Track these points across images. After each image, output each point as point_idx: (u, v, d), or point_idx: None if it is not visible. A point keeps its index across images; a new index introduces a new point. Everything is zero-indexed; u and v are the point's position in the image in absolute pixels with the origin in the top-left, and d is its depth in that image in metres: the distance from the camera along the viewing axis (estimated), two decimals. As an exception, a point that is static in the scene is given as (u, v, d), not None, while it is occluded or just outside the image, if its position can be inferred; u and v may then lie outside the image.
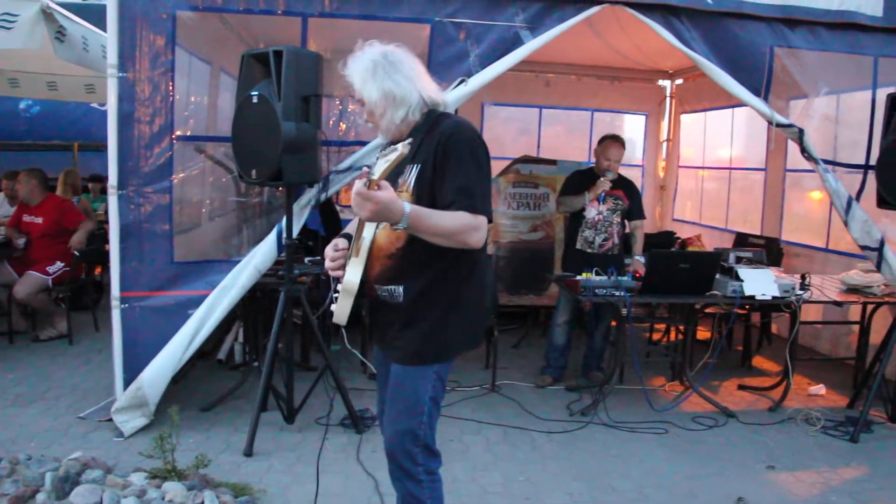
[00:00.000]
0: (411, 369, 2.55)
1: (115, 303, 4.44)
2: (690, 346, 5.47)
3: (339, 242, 2.51)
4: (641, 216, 5.73)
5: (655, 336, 7.07)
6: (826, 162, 5.06)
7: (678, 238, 8.01)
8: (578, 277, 5.02)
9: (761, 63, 4.94)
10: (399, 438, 2.59)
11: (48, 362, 5.78)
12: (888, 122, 4.82)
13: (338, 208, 6.98)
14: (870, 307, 5.47)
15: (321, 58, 4.24)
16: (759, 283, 5.02)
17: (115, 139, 4.35)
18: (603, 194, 5.39)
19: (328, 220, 6.52)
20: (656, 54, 7.36)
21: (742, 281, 4.99)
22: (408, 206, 2.21)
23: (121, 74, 4.32)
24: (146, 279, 4.48)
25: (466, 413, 4.98)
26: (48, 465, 3.42)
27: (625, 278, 4.97)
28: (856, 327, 5.74)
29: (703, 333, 6.61)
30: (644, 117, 9.20)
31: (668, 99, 9.11)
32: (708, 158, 8.83)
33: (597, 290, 4.88)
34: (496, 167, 7.09)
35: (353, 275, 2.38)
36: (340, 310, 2.40)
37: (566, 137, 9.13)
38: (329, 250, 2.49)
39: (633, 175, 7.93)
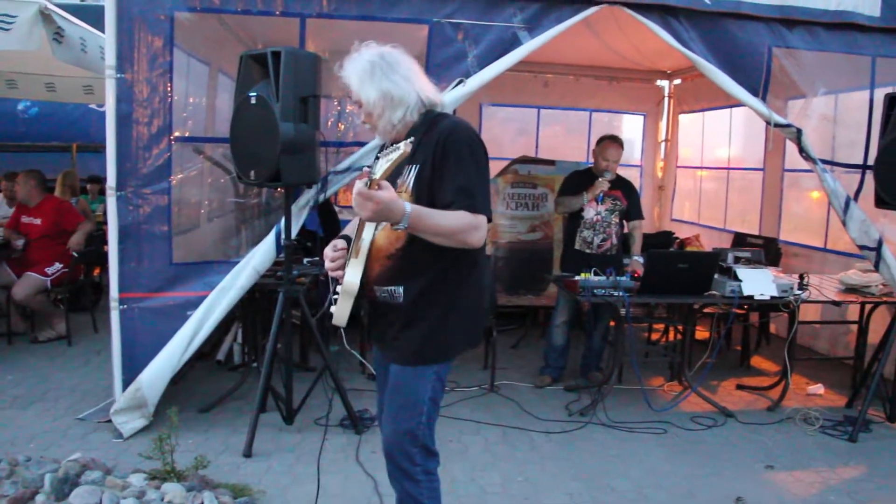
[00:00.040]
0: (410, 370, 2.55)
1: (113, 304, 4.44)
2: (689, 346, 5.47)
3: (339, 243, 2.51)
4: (640, 216, 5.73)
5: (654, 336, 7.08)
6: (824, 162, 5.07)
7: (677, 238, 8.02)
8: (577, 278, 5.03)
9: (759, 63, 4.94)
10: (397, 438, 2.59)
11: (47, 363, 5.78)
12: (886, 121, 4.82)
13: (336, 209, 6.97)
14: (868, 307, 5.48)
15: (319, 59, 4.24)
16: (758, 282, 5.02)
17: (113, 140, 4.35)
18: (601, 195, 5.40)
19: (327, 221, 6.52)
20: (654, 54, 7.36)
21: (740, 281, 5.00)
22: (408, 206, 2.21)
23: (119, 75, 4.32)
24: (145, 280, 4.48)
25: (465, 413, 4.98)
26: (47, 467, 3.42)
27: (623, 278, 4.98)
28: (854, 327, 5.74)
29: (701, 333, 6.62)
30: (642, 117, 9.20)
31: (666, 99, 9.12)
32: (706, 158, 8.83)
33: (595, 291, 4.89)
34: (494, 168, 7.09)
35: (352, 276, 2.38)
36: (340, 311, 2.39)
37: (564, 138, 9.14)
38: (329, 251, 2.49)
39: (632, 175, 7.95)
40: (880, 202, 4.88)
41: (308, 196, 4.62)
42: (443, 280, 2.48)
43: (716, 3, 4.78)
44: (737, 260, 5.50)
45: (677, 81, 8.91)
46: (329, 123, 4.94)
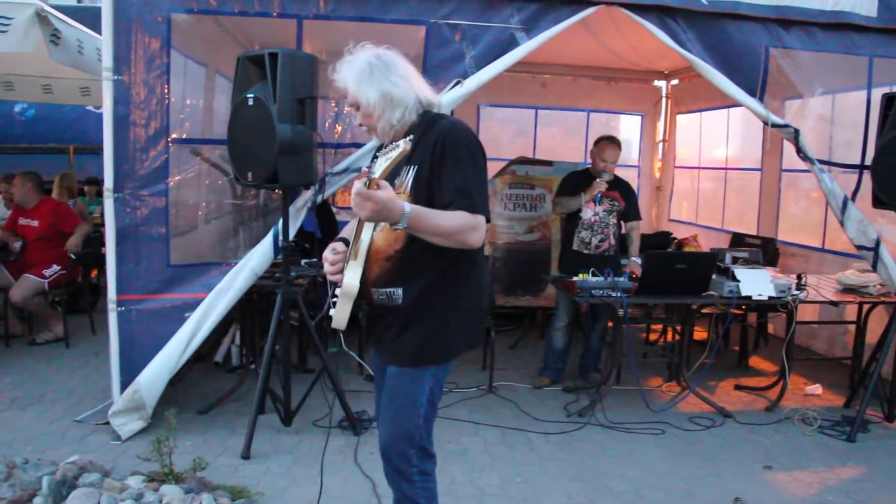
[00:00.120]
0: (408, 371, 2.55)
1: (111, 306, 4.44)
2: (687, 346, 5.47)
3: (338, 246, 2.51)
4: (637, 217, 5.74)
5: (652, 337, 7.09)
6: (822, 162, 5.07)
7: (675, 238, 8.03)
8: (575, 278, 5.02)
9: (756, 63, 4.94)
10: (394, 440, 2.59)
11: (45, 366, 5.77)
12: (883, 121, 4.83)
13: (334, 210, 6.97)
14: (866, 307, 5.48)
15: (316, 60, 4.24)
16: (756, 283, 5.03)
17: (110, 142, 4.35)
18: (599, 195, 5.39)
19: (324, 222, 6.52)
20: (652, 55, 7.37)
21: (738, 281, 5.00)
22: (408, 206, 2.21)
23: (116, 77, 4.32)
24: (142, 282, 4.48)
25: (464, 414, 4.98)
26: (45, 469, 3.42)
27: (621, 279, 4.98)
28: (852, 327, 5.75)
29: (699, 334, 6.62)
30: (640, 118, 9.21)
31: (663, 99, 9.14)
32: (704, 159, 8.84)
33: (593, 291, 4.89)
34: (492, 168, 7.10)
35: (352, 278, 2.37)
36: (340, 314, 2.39)
37: (562, 138, 9.14)
38: (328, 254, 2.49)
39: (630, 176, 7.97)
40: (878, 202, 4.88)
41: (306, 197, 4.61)
42: (441, 281, 2.48)
43: (713, 4, 4.78)
44: (735, 260, 5.50)
45: (675, 82, 8.92)
46: (326, 124, 4.93)
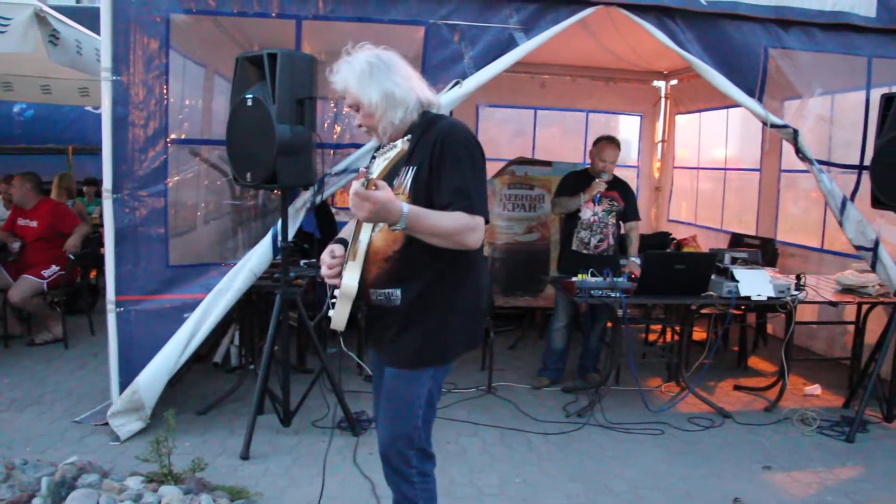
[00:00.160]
0: (407, 373, 2.55)
1: (110, 306, 4.44)
2: (686, 346, 5.47)
3: (336, 249, 2.50)
4: (636, 217, 5.74)
5: (651, 337, 7.08)
6: (821, 162, 5.07)
7: (674, 239, 8.03)
8: (574, 279, 5.02)
9: (755, 64, 4.95)
10: (393, 441, 2.60)
11: (43, 366, 5.77)
12: (882, 122, 4.83)
13: (333, 211, 6.97)
14: (865, 307, 5.49)
15: (315, 60, 4.24)
16: (755, 283, 5.03)
17: (109, 143, 4.34)
18: (598, 195, 5.40)
19: (323, 223, 6.52)
20: (651, 55, 7.37)
21: (737, 281, 5.00)
22: (406, 207, 2.20)
23: (115, 78, 4.32)
24: (141, 283, 4.47)
25: (463, 415, 4.98)
26: (44, 470, 3.41)
27: (620, 279, 4.98)
28: (851, 327, 5.75)
29: (698, 334, 6.62)
30: (639, 118, 9.21)
31: (662, 100, 9.14)
32: (703, 159, 8.84)
33: (592, 292, 4.89)
34: (491, 169, 7.08)
35: (351, 279, 2.37)
36: (339, 315, 2.38)
37: (561, 139, 9.13)
38: (326, 257, 2.48)
39: (629, 176, 7.98)
40: (877, 203, 4.88)
41: (305, 198, 4.61)
42: (440, 282, 2.47)
43: (712, 4, 4.78)
44: (734, 260, 5.50)
45: (674, 82, 8.92)
46: (325, 125, 4.93)
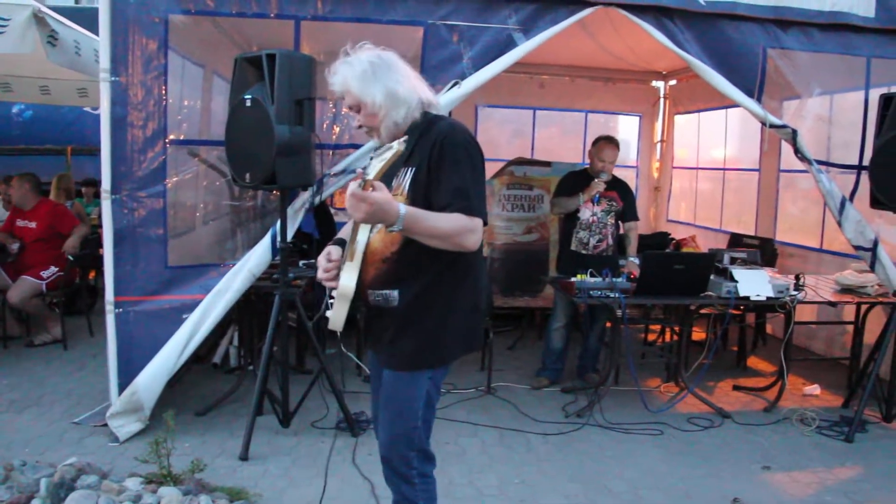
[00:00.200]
0: (405, 375, 2.54)
1: (109, 307, 4.43)
2: (685, 346, 5.47)
3: (332, 252, 2.49)
4: (635, 217, 5.74)
5: (650, 337, 7.09)
6: (819, 162, 5.07)
7: (673, 239, 8.02)
8: (573, 279, 5.02)
9: (754, 64, 4.95)
10: (394, 443, 2.59)
11: (42, 367, 5.76)
12: (881, 122, 4.83)
13: (332, 211, 6.97)
14: (864, 307, 5.49)
15: (314, 61, 4.24)
16: (754, 283, 5.03)
17: (108, 143, 4.34)
18: (597, 195, 5.40)
19: (322, 223, 6.52)
20: (650, 55, 7.37)
21: (736, 282, 5.00)
22: (403, 208, 2.19)
23: (113, 78, 4.31)
24: (140, 284, 4.47)
25: (462, 415, 4.98)
26: (43, 471, 3.41)
27: (619, 279, 4.98)
28: (850, 327, 5.75)
29: (697, 334, 6.62)
30: (638, 118, 9.21)
31: (661, 100, 9.14)
32: (702, 159, 8.84)
33: (591, 292, 4.89)
34: (490, 169, 7.08)
35: (348, 280, 2.36)
36: (336, 316, 2.38)
37: (560, 139, 9.13)
38: (322, 260, 2.48)
39: (628, 176, 7.97)
40: (875, 203, 4.88)
41: (304, 198, 4.61)
42: (438, 284, 2.47)
43: (710, 4, 4.78)
44: (733, 261, 5.51)
45: (673, 82, 8.92)
46: (324, 126, 4.92)
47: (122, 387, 4.42)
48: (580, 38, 6.26)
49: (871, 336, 5.35)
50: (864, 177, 5.06)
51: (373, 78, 2.42)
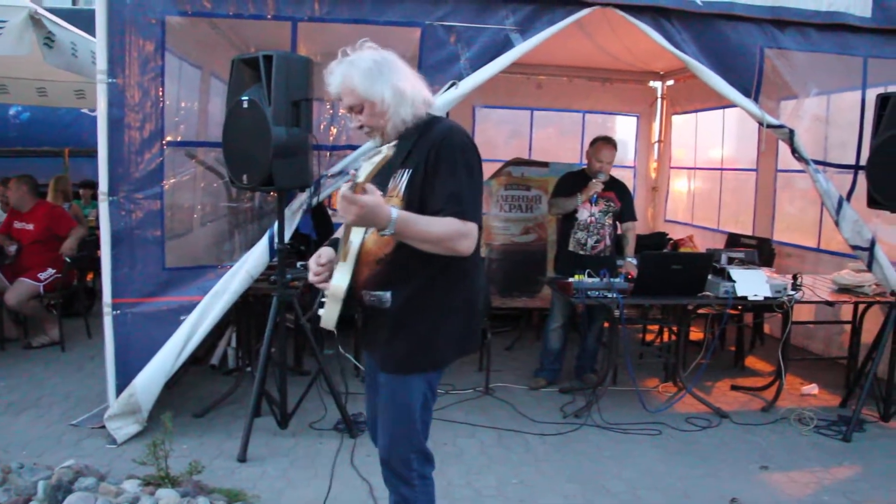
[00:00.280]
0: (400, 379, 2.53)
1: (106, 309, 4.43)
2: (683, 346, 5.46)
3: (323, 254, 2.49)
4: (633, 218, 5.74)
5: (648, 337, 7.09)
6: (816, 162, 5.08)
7: (670, 239, 8.02)
8: (571, 279, 5.03)
9: (751, 64, 4.95)
10: (394, 446, 2.59)
11: (40, 369, 5.75)
12: (878, 122, 4.84)
13: (330, 212, 6.96)
14: (861, 307, 5.50)
15: (311, 62, 4.23)
16: (751, 283, 5.03)
17: (105, 145, 4.33)
18: (595, 196, 5.40)
19: (320, 225, 6.52)
20: (647, 56, 7.38)
21: (734, 281, 5.01)
22: (395, 212, 2.18)
23: (110, 80, 4.30)
24: (138, 285, 4.46)
25: (460, 416, 4.98)
26: (41, 474, 3.40)
27: (617, 280, 4.98)
28: (848, 327, 5.76)
29: (695, 334, 6.62)
30: (635, 118, 9.21)
31: (659, 100, 9.14)
32: (699, 159, 8.85)
33: (589, 292, 4.89)
34: (488, 170, 7.09)
35: (340, 280, 2.36)
36: (328, 315, 2.38)
37: (558, 139, 9.13)
38: (312, 262, 2.48)
39: (625, 176, 7.96)
40: (872, 202, 4.89)
41: (301, 200, 4.61)
42: (430, 288, 2.45)
43: (708, 5, 4.79)
44: (730, 261, 5.51)
45: (670, 82, 8.92)
46: (322, 127, 4.92)
47: (120, 388, 4.42)
48: (578, 39, 6.26)
49: (868, 335, 5.36)
50: (861, 176, 5.06)
51: (379, 76, 2.40)
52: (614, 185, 5.59)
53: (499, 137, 9.00)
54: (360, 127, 2.50)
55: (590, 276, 5.02)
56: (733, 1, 4.82)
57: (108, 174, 4.35)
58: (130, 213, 4.41)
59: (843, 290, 5.49)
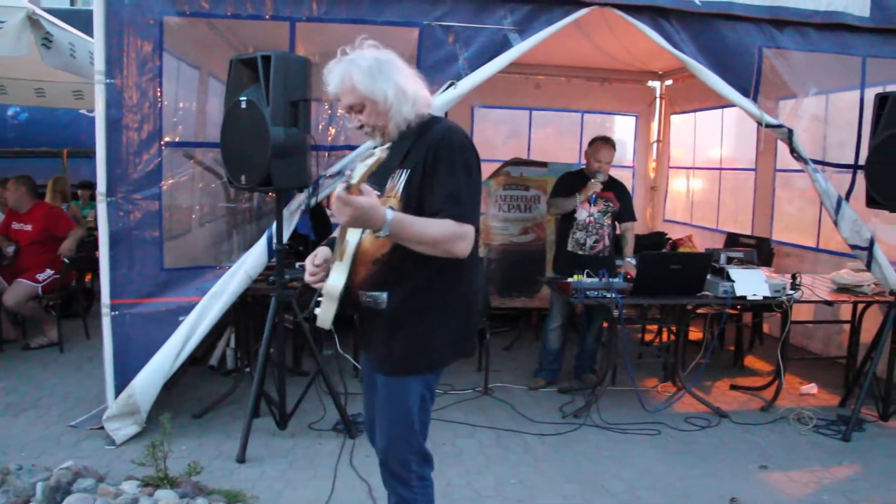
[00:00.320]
0: (397, 380, 2.52)
1: (105, 310, 4.42)
2: (682, 346, 5.46)
3: (320, 254, 2.49)
4: (632, 218, 5.74)
5: (647, 337, 7.09)
6: (815, 162, 5.08)
7: (669, 239, 8.03)
8: (570, 279, 5.03)
9: (750, 64, 4.95)
10: (393, 447, 2.58)
11: (39, 371, 5.74)
12: (877, 121, 4.84)
13: (328, 213, 6.95)
14: (860, 306, 5.51)
15: (309, 62, 4.23)
16: (751, 283, 5.03)
17: (103, 146, 4.33)
18: (594, 196, 5.39)
19: (318, 225, 6.51)
20: (646, 55, 7.38)
21: (733, 281, 5.01)
22: (390, 213, 2.17)
23: (108, 81, 4.30)
24: (136, 286, 4.46)
25: (459, 416, 4.97)
26: (39, 475, 3.40)
27: (616, 280, 4.98)
28: (847, 326, 5.76)
29: (694, 334, 6.62)
30: (634, 118, 9.21)
31: (657, 100, 9.14)
32: (698, 159, 8.85)
33: (588, 292, 4.89)
34: (487, 170, 7.10)
35: (336, 279, 2.35)
36: (324, 314, 2.37)
37: (556, 139, 9.13)
38: (308, 263, 2.47)
39: (624, 176, 7.97)
40: (871, 202, 4.90)
41: (299, 200, 4.61)
42: (426, 289, 2.44)
43: (706, 4, 4.79)
44: (729, 260, 5.51)
45: (669, 82, 8.92)
46: (320, 127, 4.92)
47: (119, 389, 4.41)
48: (576, 39, 6.26)
49: (867, 335, 5.36)
50: (860, 176, 5.06)
51: (380, 74, 2.39)
52: (613, 185, 5.59)
53: (497, 137, 9.00)
54: (360, 126, 2.48)
55: (589, 276, 5.02)
56: (732, 0, 4.82)
57: (107, 175, 4.35)
58: (129, 213, 4.41)
59: (842, 289, 5.49)
